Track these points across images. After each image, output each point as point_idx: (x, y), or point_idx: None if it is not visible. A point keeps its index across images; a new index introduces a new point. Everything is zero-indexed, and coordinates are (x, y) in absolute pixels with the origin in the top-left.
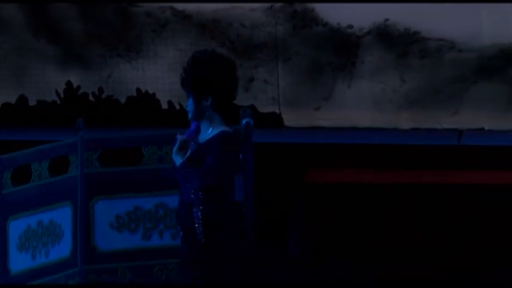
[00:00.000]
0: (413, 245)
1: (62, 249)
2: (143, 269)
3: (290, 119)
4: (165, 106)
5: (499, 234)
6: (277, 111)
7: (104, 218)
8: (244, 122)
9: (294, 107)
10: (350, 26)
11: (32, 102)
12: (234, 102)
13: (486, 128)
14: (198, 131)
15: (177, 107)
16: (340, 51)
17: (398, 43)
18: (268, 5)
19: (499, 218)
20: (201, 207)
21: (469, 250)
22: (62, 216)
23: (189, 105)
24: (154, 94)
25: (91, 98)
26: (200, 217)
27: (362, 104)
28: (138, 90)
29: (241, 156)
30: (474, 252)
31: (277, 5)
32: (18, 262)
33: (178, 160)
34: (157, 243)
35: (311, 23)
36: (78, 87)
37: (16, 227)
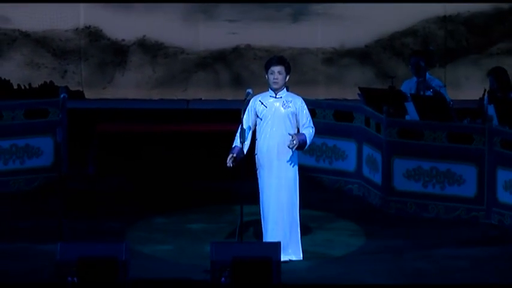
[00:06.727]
0: (162, 166)
1: None
2: None
3: (88, 94)
4: (16, 87)
5: (210, 158)
6: (81, 89)
7: None
8: (62, 96)
9: (91, 87)
10: (123, 40)
11: None
12: (55, 84)
13: (203, 98)
14: None
15: (23, 88)
16: (117, 54)
17: (151, 49)
18: (75, 27)
19: (210, 150)
20: None
21: (191, 167)
22: None
23: None
24: (9, 80)
25: None
26: None
27: (130, 85)
28: None
29: (60, 115)
30: (194, 168)
31: (81, 27)
32: None
33: None
34: None
35: (100, 38)
36: None
37: None
